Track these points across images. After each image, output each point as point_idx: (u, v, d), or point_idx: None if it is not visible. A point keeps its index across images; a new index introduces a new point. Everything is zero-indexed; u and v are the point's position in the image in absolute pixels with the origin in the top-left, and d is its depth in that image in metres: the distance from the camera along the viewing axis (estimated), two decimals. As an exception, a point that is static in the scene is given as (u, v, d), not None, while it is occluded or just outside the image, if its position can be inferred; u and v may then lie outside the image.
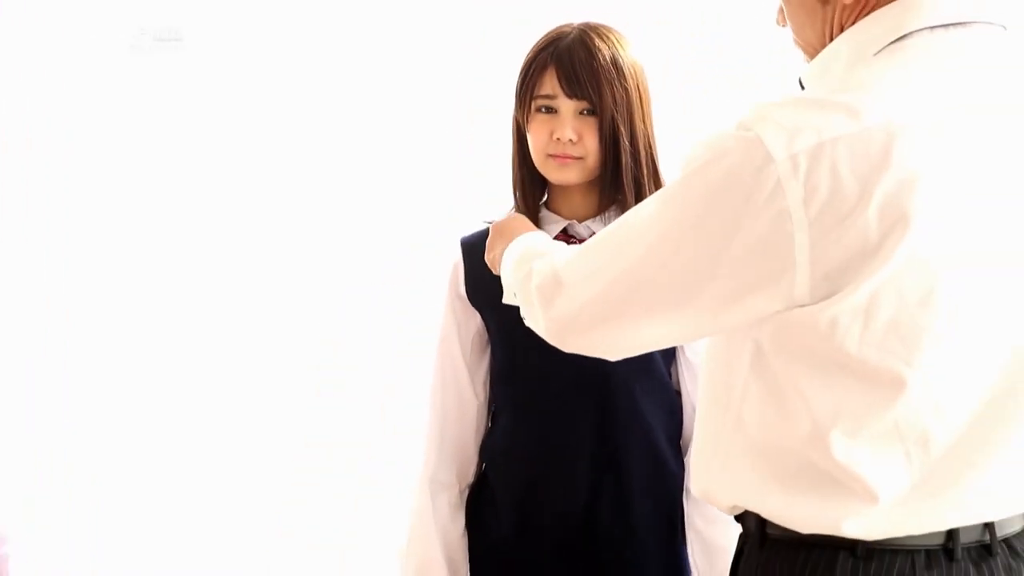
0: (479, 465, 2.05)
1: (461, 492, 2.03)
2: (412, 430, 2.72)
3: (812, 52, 1.46)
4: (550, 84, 1.89)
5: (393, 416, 2.89)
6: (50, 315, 2.90)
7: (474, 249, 1.98)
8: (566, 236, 1.97)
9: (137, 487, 2.99)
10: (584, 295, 1.44)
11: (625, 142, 1.89)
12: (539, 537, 1.96)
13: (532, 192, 1.98)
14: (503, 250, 1.73)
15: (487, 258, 1.80)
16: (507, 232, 1.77)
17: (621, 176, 1.90)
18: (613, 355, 1.53)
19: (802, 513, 1.38)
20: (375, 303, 2.91)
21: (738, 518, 1.50)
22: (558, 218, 1.98)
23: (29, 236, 2.86)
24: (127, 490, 3.00)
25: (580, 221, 1.97)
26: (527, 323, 1.57)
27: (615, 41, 1.91)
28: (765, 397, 1.39)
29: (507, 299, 1.70)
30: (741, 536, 1.50)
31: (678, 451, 1.98)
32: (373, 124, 2.89)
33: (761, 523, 1.44)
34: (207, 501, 2.96)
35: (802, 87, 1.45)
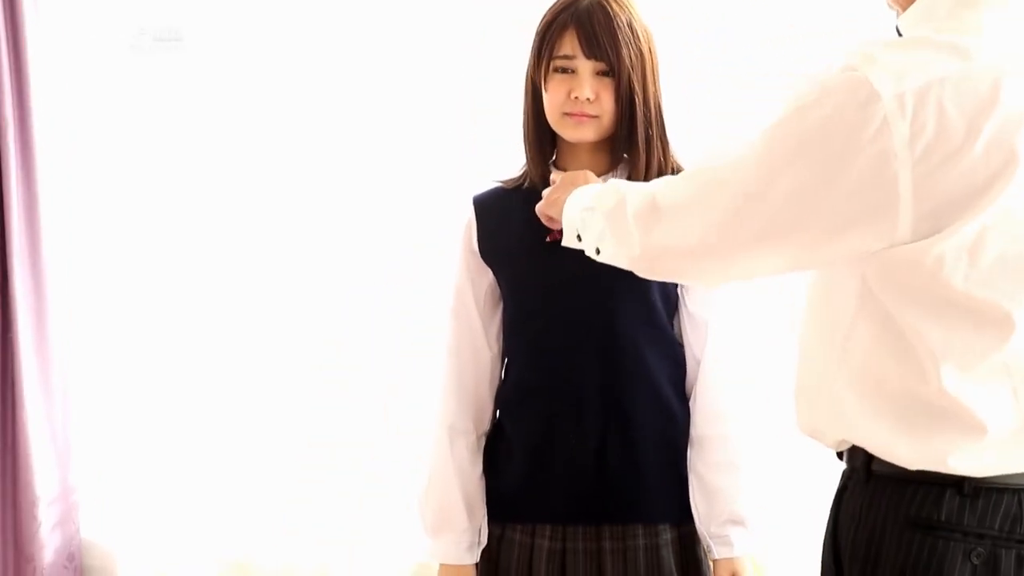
0: (494, 413, 2.12)
1: (478, 438, 2.11)
2: (416, 429, 2.72)
3: (906, 4, 1.47)
4: (569, 44, 1.96)
5: (397, 415, 2.89)
6: (53, 316, 2.89)
7: (486, 206, 2.07)
8: None
9: (143, 486, 2.99)
10: (684, 223, 1.46)
11: (640, 102, 1.96)
12: (551, 482, 2.03)
13: (542, 150, 2.04)
14: (568, 194, 1.75)
15: (547, 201, 1.86)
16: (578, 179, 1.82)
17: (635, 135, 1.97)
18: (706, 283, 1.56)
19: (910, 447, 1.38)
20: (378, 303, 2.90)
21: (841, 456, 1.50)
22: None
23: (30, 236, 2.85)
24: (134, 489, 2.99)
25: None
26: (601, 255, 1.58)
27: (628, 5, 1.98)
28: (877, 333, 1.39)
29: (567, 241, 1.74)
30: (844, 473, 1.51)
31: (682, 399, 2.05)
32: (375, 125, 2.88)
33: (867, 460, 1.44)
34: (211, 500, 2.96)
35: (899, 35, 1.45)
